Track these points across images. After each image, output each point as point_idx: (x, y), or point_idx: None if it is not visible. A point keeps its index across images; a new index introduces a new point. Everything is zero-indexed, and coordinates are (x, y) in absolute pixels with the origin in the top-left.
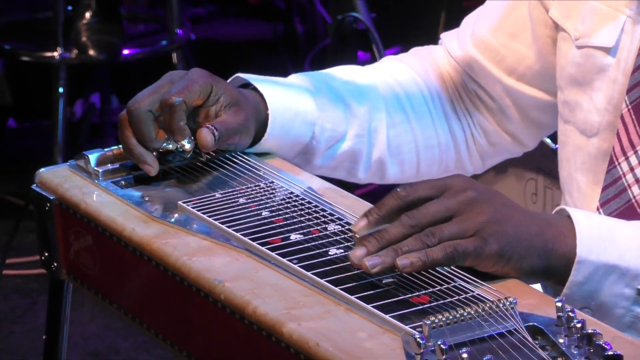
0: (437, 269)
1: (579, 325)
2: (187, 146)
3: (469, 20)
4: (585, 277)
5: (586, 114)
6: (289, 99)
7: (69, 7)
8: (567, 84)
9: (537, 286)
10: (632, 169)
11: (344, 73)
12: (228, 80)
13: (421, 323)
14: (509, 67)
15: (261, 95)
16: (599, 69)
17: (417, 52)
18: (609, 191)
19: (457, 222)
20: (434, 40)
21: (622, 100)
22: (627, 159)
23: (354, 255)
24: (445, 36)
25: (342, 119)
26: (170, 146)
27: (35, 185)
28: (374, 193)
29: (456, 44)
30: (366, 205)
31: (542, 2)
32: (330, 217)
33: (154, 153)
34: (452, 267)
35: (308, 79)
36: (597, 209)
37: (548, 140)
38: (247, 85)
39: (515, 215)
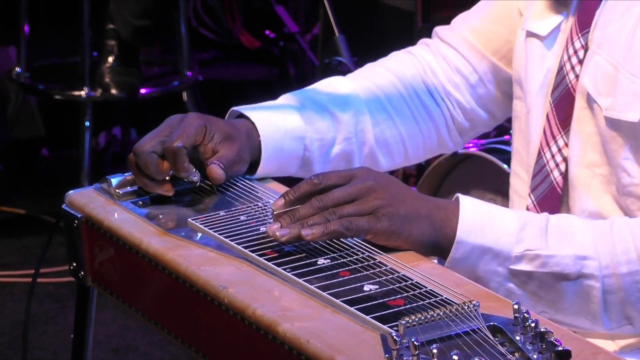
0: (412, 277)
1: (533, 324)
2: (194, 179)
3: (459, 16)
4: (463, 255)
5: (526, 93)
6: (277, 120)
7: (95, 53)
8: (518, 64)
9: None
10: (553, 157)
11: (327, 86)
12: (227, 114)
13: (397, 323)
14: (494, 48)
15: (252, 122)
16: (536, 55)
17: (395, 55)
18: (537, 178)
19: (356, 204)
20: None
21: (549, 92)
22: (549, 148)
23: (270, 228)
24: (439, 29)
25: (330, 126)
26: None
27: (65, 205)
28: None
29: (449, 31)
30: None
31: None
32: None
33: (167, 178)
34: (423, 275)
35: (294, 97)
36: (529, 195)
37: (505, 166)
38: (243, 115)
39: (407, 200)
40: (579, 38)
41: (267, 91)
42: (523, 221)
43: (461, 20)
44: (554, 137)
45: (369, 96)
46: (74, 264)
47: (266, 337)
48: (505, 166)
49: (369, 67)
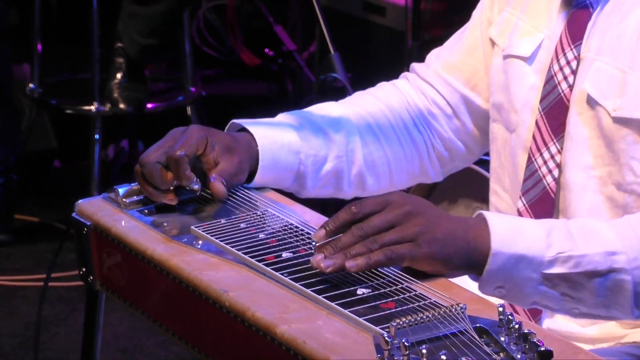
0: (402, 281)
1: (517, 326)
2: (195, 187)
3: (434, 50)
4: (499, 266)
5: (508, 113)
6: (275, 134)
7: (104, 70)
8: (496, 89)
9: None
10: (545, 162)
11: (322, 109)
12: (226, 126)
13: (389, 325)
14: (466, 79)
15: (252, 135)
16: (518, 75)
17: (382, 85)
18: (528, 182)
19: (396, 231)
20: None
21: (536, 104)
22: (541, 154)
23: (314, 259)
24: (415, 65)
25: (323, 145)
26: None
27: (75, 213)
28: None
29: (424, 67)
30: None
31: (490, 23)
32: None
33: (171, 187)
34: (413, 279)
35: (292, 116)
36: (520, 198)
37: (488, 174)
38: (243, 128)
39: (443, 223)
40: (571, 50)
41: (266, 106)
42: (548, 227)
43: (435, 56)
44: (545, 144)
45: (359, 120)
46: (84, 269)
47: (265, 338)
48: (489, 175)
49: (359, 95)
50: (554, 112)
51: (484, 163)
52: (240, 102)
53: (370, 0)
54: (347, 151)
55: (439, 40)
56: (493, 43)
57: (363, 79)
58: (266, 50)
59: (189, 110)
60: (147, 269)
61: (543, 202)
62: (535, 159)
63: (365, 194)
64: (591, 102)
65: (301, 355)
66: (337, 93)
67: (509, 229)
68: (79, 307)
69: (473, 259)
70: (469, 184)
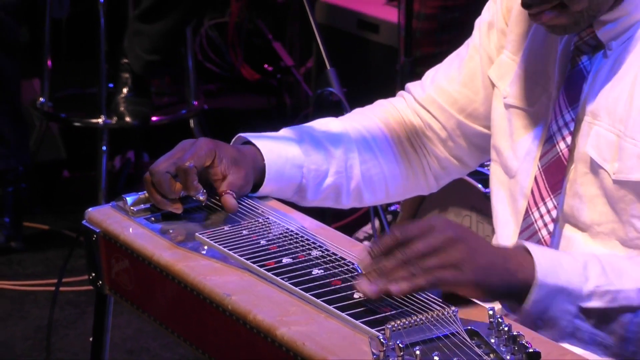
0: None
1: (506, 329)
2: (201, 197)
3: (429, 72)
4: (542, 296)
5: (508, 159)
6: (280, 149)
7: (110, 85)
8: (497, 132)
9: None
10: (541, 217)
11: (322, 125)
12: (233, 139)
13: (384, 327)
14: (461, 107)
15: (258, 148)
16: (523, 126)
17: (380, 103)
18: (524, 234)
19: (439, 257)
20: None
21: (537, 157)
22: (538, 209)
23: (359, 285)
24: (410, 85)
25: (324, 160)
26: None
27: (84, 221)
28: (348, 225)
29: (420, 90)
30: (340, 236)
31: (490, 59)
32: (313, 245)
33: (178, 197)
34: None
35: (294, 131)
36: None
37: (479, 185)
38: (248, 142)
39: (484, 250)
40: (568, 112)
41: (266, 119)
42: (583, 261)
43: (430, 79)
44: (542, 199)
45: (358, 137)
46: (93, 274)
47: (266, 340)
48: (479, 185)
49: (358, 112)
50: (552, 169)
51: (474, 173)
52: (240, 116)
53: (364, 18)
54: (347, 167)
55: (429, 57)
56: (493, 84)
57: (358, 93)
58: (265, 65)
59: (191, 123)
60: (153, 273)
61: None
62: (532, 213)
63: (362, 206)
64: (594, 165)
65: (300, 357)
66: (333, 107)
67: (550, 261)
68: (88, 310)
69: (514, 289)
70: (459, 193)
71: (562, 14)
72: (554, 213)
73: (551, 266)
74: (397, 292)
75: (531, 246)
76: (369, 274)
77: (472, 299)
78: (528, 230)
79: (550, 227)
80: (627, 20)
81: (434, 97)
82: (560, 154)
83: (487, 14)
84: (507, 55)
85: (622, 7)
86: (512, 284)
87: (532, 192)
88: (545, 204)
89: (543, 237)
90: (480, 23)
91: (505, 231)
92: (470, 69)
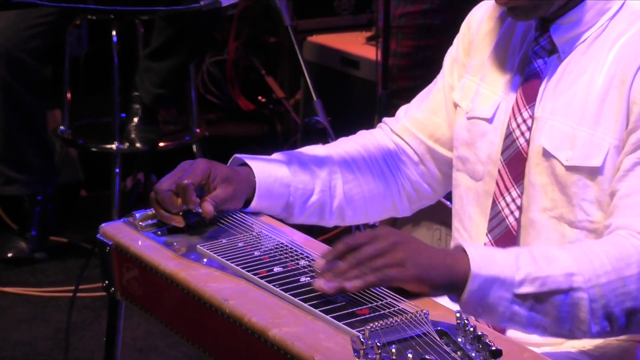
0: (375, 292)
1: (471, 329)
2: (200, 210)
3: (403, 107)
4: (478, 286)
5: (473, 165)
6: (270, 169)
7: (123, 115)
8: (460, 144)
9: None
10: (507, 205)
11: (310, 150)
12: (230, 159)
13: (364, 328)
14: (430, 133)
15: (251, 168)
16: (481, 134)
17: (361, 133)
18: (493, 221)
19: (385, 258)
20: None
21: (498, 156)
22: (504, 198)
23: (317, 283)
24: (387, 119)
25: (310, 180)
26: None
27: (99, 235)
28: (332, 238)
29: (394, 121)
30: (325, 247)
31: (452, 88)
32: (301, 256)
33: (180, 213)
34: (385, 289)
35: (284, 155)
36: (486, 234)
37: (448, 202)
38: (244, 163)
39: (425, 251)
40: (526, 110)
41: (259, 144)
42: (515, 253)
43: (404, 112)
44: (507, 189)
45: (341, 161)
46: (106, 282)
47: (259, 340)
48: (448, 202)
49: (342, 140)
50: (514, 162)
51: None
52: (237, 141)
53: (346, 56)
54: (330, 187)
55: (404, 90)
56: (456, 105)
57: (341, 121)
58: (259, 97)
59: (194, 148)
60: (160, 281)
61: (506, 239)
62: (498, 202)
63: (344, 224)
64: (546, 155)
65: (290, 355)
66: (319, 134)
67: (484, 255)
68: (102, 314)
69: (453, 281)
70: (430, 209)
71: None
72: (518, 201)
73: (484, 259)
74: (351, 288)
75: (467, 244)
76: (325, 274)
77: (441, 303)
78: (496, 218)
79: (516, 214)
80: (580, 25)
81: (406, 126)
82: (520, 148)
83: (452, 49)
84: (468, 78)
85: (573, 12)
86: (450, 277)
87: (497, 184)
88: (510, 193)
89: (510, 224)
90: (446, 58)
91: (479, 228)
92: (438, 99)
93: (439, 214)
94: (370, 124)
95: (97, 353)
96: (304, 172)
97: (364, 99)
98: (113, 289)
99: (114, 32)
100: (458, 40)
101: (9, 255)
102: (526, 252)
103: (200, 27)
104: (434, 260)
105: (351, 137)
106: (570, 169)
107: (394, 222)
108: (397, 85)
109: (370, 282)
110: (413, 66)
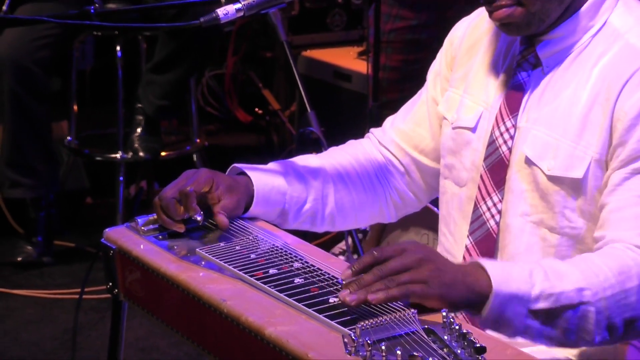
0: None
1: (457, 327)
2: (199, 218)
3: (389, 118)
4: (498, 303)
5: (458, 172)
6: (267, 179)
7: (127, 125)
8: (447, 153)
9: None
10: (489, 209)
11: (304, 160)
12: (228, 168)
13: (355, 327)
14: (415, 144)
15: (249, 177)
16: (465, 142)
17: (351, 143)
18: (474, 224)
19: (411, 274)
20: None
21: (481, 164)
22: (485, 202)
23: (341, 294)
24: (374, 130)
25: (303, 189)
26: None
27: (103, 239)
28: (325, 242)
29: (381, 133)
30: (318, 250)
31: (435, 101)
32: (295, 258)
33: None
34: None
35: (280, 164)
36: (467, 237)
37: (435, 209)
38: (242, 172)
39: (448, 270)
40: (509, 119)
41: (256, 154)
42: (528, 269)
43: (390, 123)
44: (489, 194)
45: (333, 171)
46: (110, 284)
47: (256, 338)
48: (435, 209)
49: (334, 149)
50: (496, 169)
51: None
52: (235, 151)
53: (339, 70)
54: (323, 196)
55: (393, 102)
56: (443, 117)
57: (334, 132)
58: (256, 109)
59: (195, 157)
60: (161, 283)
61: (486, 241)
62: (480, 206)
63: (334, 230)
64: (528, 162)
65: (285, 352)
66: (313, 143)
67: (501, 272)
68: (106, 314)
69: (472, 300)
70: (419, 215)
71: (518, 12)
72: (499, 206)
73: (502, 277)
74: (374, 300)
75: (486, 263)
76: (350, 286)
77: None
78: (477, 221)
79: (497, 218)
80: (564, 41)
81: (392, 138)
82: (503, 155)
83: (435, 64)
84: (452, 91)
85: (559, 29)
86: (470, 296)
87: (479, 188)
88: (491, 198)
89: (491, 227)
90: (429, 72)
91: (461, 231)
92: (422, 112)
93: (427, 219)
94: (361, 134)
95: (102, 352)
96: (299, 182)
97: (355, 110)
98: (117, 290)
99: (118, 48)
100: (441, 55)
101: (19, 259)
102: (539, 268)
103: (201, 42)
104: (457, 279)
105: (342, 146)
106: (551, 178)
107: (383, 228)
108: (387, 97)
109: (393, 296)
110: (402, 79)
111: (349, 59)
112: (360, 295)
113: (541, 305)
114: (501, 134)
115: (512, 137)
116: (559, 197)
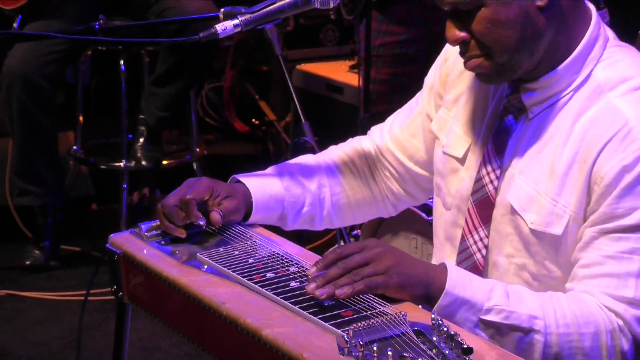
0: (359, 296)
1: (445, 329)
2: (201, 223)
3: (390, 118)
4: (448, 303)
5: (444, 195)
6: (265, 187)
7: (130, 135)
8: (437, 173)
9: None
10: (475, 243)
11: (301, 160)
12: (229, 179)
13: (348, 328)
14: (409, 154)
15: (247, 187)
16: (453, 170)
17: (351, 141)
18: (461, 255)
19: (372, 266)
20: None
21: (468, 194)
22: (472, 236)
23: (309, 288)
24: (374, 128)
25: (301, 193)
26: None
27: (108, 244)
28: (319, 247)
29: (379, 136)
30: (312, 255)
31: (429, 117)
32: (291, 263)
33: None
34: (367, 295)
35: (278, 169)
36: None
37: (424, 215)
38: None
39: (408, 262)
40: (495, 159)
41: (253, 162)
42: (491, 284)
43: (389, 126)
44: (475, 229)
45: (330, 173)
46: (115, 287)
47: (253, 339)
48: (424, 215)
49: (332, 149)
50: (483, 205)
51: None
52: (233, 160)
53: (331, 83)
54: (319, 199)
55: (383, 113)
56: (435, 135)
57: (327, 141)
58: (253, 120)
59: (194, 165)
60: (163, 286)
61: (474, 272)
62: (467, 239)
63: (333, 227)
64: (513, 211)
65: (281, 352)
66: (308, 152)
67: (462, 278)
68: (111, 316)
69: (430, 293)
70: (408, 220)
71: (486, 63)
72: (485, 241)
73: (460, 281)
74: (342, 295)
75: (449, 265)
76: (317, 279)
77: (417, 306)
78: (464, 252)
79: (483, 252)
80: (549, 91)
81: (388, 146)
82: (489, 194)
83: (430, 76)
84: (443, 111)
85: (544, 79)
86: (427, 290)
87: (466, 221)
88: (477, 232)
89: (478, 260)
90: (425, 83)
91: (444, 252)
92: (417, 124)
93: (416, 224)
94: None
95: (106, 351)
96: (296, 187)
97: (347, 121)
98: (121, 293)
99: (121, 62)
100: (435, 68)
101: (27, 263)
102: (501, 287)
103: (200, 56)
104: (416, 271)
105: (341, 146)
106: (533, 232)
107: (375, 232)
108: (377, 109)
109: (359, 290)
110: (391, 92)
111: (341, 72)
112: (329, 290)
113: (492, 317)
114: (487, 173)
115: (497, 178)
116: (539, 248)
